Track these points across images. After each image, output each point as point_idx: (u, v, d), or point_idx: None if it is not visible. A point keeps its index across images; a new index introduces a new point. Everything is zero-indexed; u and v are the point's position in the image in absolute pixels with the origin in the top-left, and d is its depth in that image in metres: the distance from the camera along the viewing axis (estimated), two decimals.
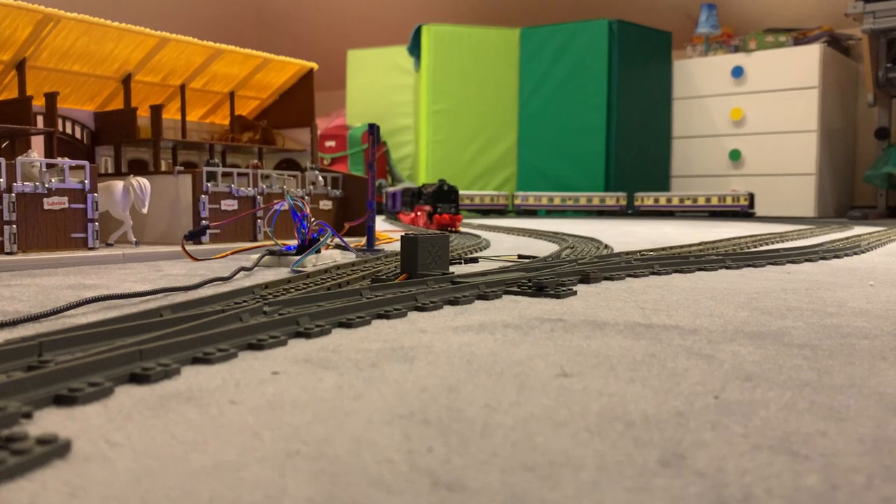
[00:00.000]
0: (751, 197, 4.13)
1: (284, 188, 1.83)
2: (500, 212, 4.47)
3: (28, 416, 0.43)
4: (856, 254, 1.64)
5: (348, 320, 0.73)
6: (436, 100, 4.71)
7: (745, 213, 4.12)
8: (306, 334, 0.68)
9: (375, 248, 1.62)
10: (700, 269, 1.26)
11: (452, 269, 1.18)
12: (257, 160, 2.07)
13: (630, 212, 4.50)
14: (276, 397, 0.48)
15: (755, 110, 4.54)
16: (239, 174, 1.74)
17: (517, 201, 4.52)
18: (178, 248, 1.45)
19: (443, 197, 2.45)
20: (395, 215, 3.41)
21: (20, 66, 1.61)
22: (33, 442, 0.37)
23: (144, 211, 1.56)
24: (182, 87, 1.97)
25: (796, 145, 4.42)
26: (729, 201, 4.15)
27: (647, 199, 4.41)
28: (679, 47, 5.02)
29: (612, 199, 4.40)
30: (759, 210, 4.50)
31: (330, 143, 5.13)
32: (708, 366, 0.58)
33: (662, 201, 4.36)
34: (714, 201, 4.21)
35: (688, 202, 4.28)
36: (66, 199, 1.41)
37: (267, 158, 2.15)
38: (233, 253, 1.51)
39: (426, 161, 4.74)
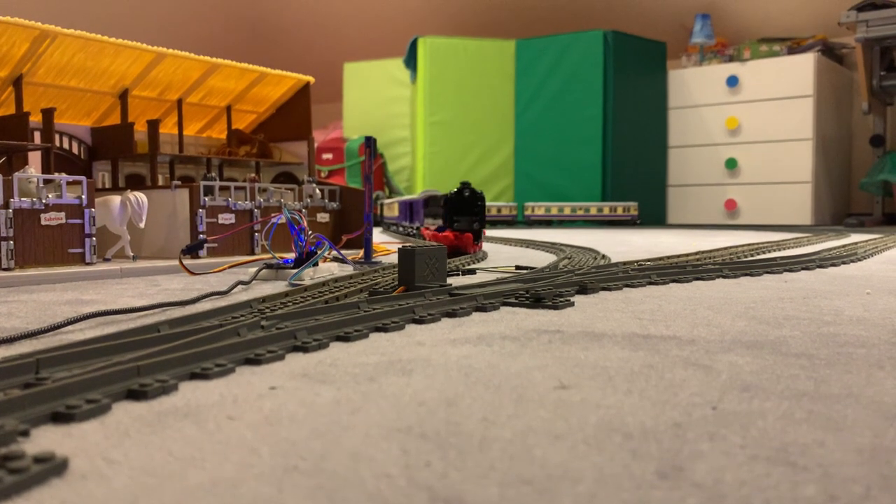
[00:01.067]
0: (638, 207, 4.40)
1: (282, 201, 1.83)
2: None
3: (25, 433, 0.43)
4: (853, 262, 1.64)
5: (346, 334, 0.73)
6: (432, 111, 4.73)
7: (633, 221, 4.35)
8: (304, 348, 0.67)
9: (373, 259, 1.62)
10: (697, 279, 1.27)
11: (450, 280, 1.18)
12: (254, 174, 2.07)
13: (519, 221, 4.59)
14: (273, 412, 0.48)
15: (751, 119, 4.56)
16: (236, 188, 1.75)
17: None
18: (176, 263, 1.45)
19: (463, 207, 1.81)
20: (415, 231, 2.56)
21: (17, 83, 1.61)
22: (30, 460, 0.37)
23: (142, 225, 1.56)
24: (179, 102, 1.97)
25: (792, 153, 4.43)
26: (620, 211, 4.36)
27: (537, 208, 4.51)
28: (674, 57, 5.04)
29: (507, 209, 4.50)
30: (756, 219, 4.51)
31: (327, 156, 5.14)
32: (705, 376, 0.58)
33: (554, 211, 4.46)
34: (606, 211, 4.37)
35: (580, 212, 4.42)
36: (63, 214, 1.41)
37: (264, 172, 2.16)
38: (230, 267, 1.51)
39: (423, 172, 4.75)
